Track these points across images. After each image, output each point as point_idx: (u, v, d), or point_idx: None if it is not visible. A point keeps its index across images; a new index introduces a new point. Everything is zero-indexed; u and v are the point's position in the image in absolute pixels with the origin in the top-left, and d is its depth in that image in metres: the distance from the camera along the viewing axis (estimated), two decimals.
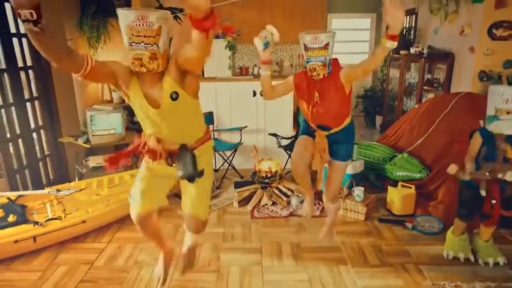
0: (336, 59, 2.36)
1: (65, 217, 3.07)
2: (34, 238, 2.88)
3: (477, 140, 2.41)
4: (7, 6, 3.50)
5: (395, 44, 1.94)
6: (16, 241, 2.80)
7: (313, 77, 2.31)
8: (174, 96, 1.83)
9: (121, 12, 1.66)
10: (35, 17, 1.42)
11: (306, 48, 2.25)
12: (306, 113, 2.49)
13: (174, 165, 2.00)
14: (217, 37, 6.96)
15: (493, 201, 2.45)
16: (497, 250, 2.69)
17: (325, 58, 2.22)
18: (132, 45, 1.69)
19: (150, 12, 1.66)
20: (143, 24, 1.65)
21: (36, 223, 2.95)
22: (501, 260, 2.65)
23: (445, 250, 2.77)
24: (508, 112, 2.24)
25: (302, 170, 2.50)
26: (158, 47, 1.71)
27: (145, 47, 1.68)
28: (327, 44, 2.19)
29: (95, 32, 4.77)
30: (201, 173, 2.05)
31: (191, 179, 1.99)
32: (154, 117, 1.88)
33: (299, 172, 2.51)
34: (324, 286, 2.47)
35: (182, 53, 1.76)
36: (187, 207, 2.16)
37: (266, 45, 2.34)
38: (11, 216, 2.99)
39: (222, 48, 6.78)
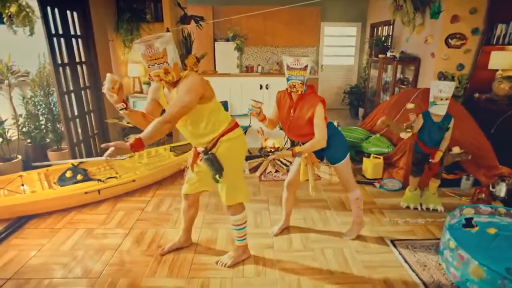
0: (313, 86, 2.64)
1: (120, 176, 3.86)
2: (99, 191, 3.64)
3: (420, 119, 3.26)
4: (68, 13, 4.25)
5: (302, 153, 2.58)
6: (86, 193, 3.57)
7: (292, 93, 2.54)
8: None
9: (135, 46, 2.04)
10: (125, 106, 2.13)
11: (288, 68, 2.45)
12: (284, 127, 2.72)
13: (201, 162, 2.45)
14: (227, 40, 7.73)
15: (431, 160, 3.30)
16: (439, 200, 3.53)
17: (304, 78, 2.45)
18: (149, 67, 2.08)
19: (154, 40, 1.99)
20: (151, 51, 2.02)
21: (99, 180, 3.73)
22: (440, 207, 3.50)
23: (403, 202, 3.60)
24: (441, 99, 3.07)
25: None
26: (168, 64, 2.07)
27: (158, 66, 2.06)
28: (306, 66, 2.42)
29: (129, 35, 5.51)
30: (220, 175, 2.36)
31: (214, 179, 2.39)
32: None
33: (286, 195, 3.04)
34: (314, 222, 3.31)
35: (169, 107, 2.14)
36: (221, 197, 2.54)
37: (255, 111, 2.60)
38: (79, 175, 3.77)
39: (231, 49, 7.55)
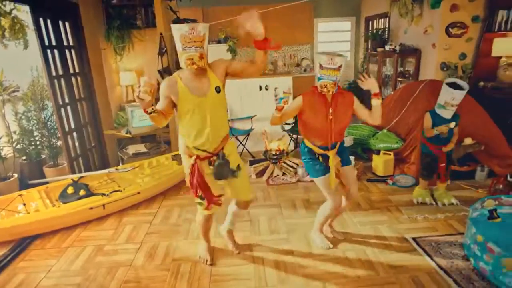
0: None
1: (124, 189, 3.80)
2: (104, 205, 3.59)
3: (428, 119, 3.29)
4: (60, 23, 4.20)
5: (379, 100, 2.47)
6: (91, 208, 3.50)
7: (323, 93, 2.46)
8: (218, 89, 2.30)
9: (175, 26, 2.13)
10: (154, 109, 2.15)
11: (321, 67, 2.38)
12: (318, 132, 2.55)
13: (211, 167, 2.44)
14: (219, 42, 7.69)
15: (442, 165, 3.34)
16: (450, 195, 3.55)
17: (337, 78, 2.40)
18: (185, 49, 2.15)
19: (198, 24, 2.16)
20: (193, 33, 2.13)
21: (104, 194, 3.67)
22: (454, 201, 3.51)
23: (415, 198, 3.60)
24: (452, 105, 3.14)
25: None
26: (204, 49, 2.19)
27: (195, 49, 2.16)
28: (340, 66, 2.37)
29: (121, 42, 5.45)
30: (239, 167, 2.50)
31: (232, 175, 2.47)
32: (202, 106, 2.27)
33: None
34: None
35: (237, 64, 2.36)
36: (236, 195, 2.63)
37: (280, 100, 2.45)
38: (81, 190, 3.71)
39: (223, 51, 7.48)
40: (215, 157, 2.42)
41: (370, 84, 2.48)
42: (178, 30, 2.13)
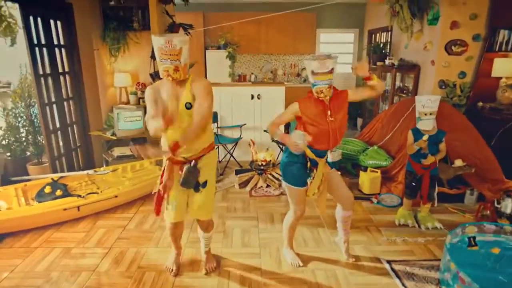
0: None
1: (101, 192, 3.78)
2: (78, 207, 3.57)
3: (410, 136, 3.25)
4: (52, 22, 4.23)
5: (373, 81, 2.51)
6: (65, 209, 3.49)
7: (320, 98, 2.43)
8: (188, 106, 2.31)
9: (154, 38, 2.19)
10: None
11: (314, 73, 2.37)
12: (319, 136, 2.47)
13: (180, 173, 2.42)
14: (219, 47, 7.70)
15: (425, 183, 3.28)
16: (434, 219, 3.44)
17: (331, 81, 2.39)
18: (161, 61, 2.23)
19: (174, 37, 2.18)
20: (169, 46, 2.18)
21: (79, 196, 3.65)
22: (438, 225, 3.40)
23: (397, 220, 3.50)
24: (425, 114, 3.07)
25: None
26: (180, 62, 2.23)
27: (171, 62, 2.21)
28: (332, 69, 2.37)
29: (116, 43, 5.47)
30: (204, 184, 2.46)
31: (195, 188, 2.44)
32: (175, 117, 2.31)
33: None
34: (305, 241, 3.21)
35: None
36: (193, 213, 2.55)
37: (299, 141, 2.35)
38: (58, 191, 3.70)
39: (223, 58, 7.51)
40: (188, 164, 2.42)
41: (361, 69, 2.48)
42: (155, 42, 2.21)
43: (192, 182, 2.42)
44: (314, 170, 2.57)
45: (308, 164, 2.59)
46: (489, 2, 4.73)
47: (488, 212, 3.40)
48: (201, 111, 2.29)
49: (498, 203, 3.37)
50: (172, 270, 2.76)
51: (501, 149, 4.07)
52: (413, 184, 3.36)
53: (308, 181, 2.61)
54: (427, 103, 3.04)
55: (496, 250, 2.68)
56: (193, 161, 2.41)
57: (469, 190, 3.90)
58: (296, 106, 2.49)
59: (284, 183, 2.69)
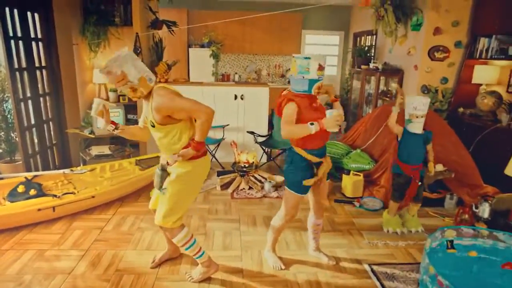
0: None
1: (78, 192, 3.72)
2: (53, 208, 3.50)
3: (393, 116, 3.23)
4: (29, 14, 4.14)
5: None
6: (39, 210, 3.41)
7: (314, 94, 2.44)
8: (152, 124, 2.35)
9: (98, 74, 2.34)
10: (114, 127, 2.42)
11: (321, 68, 2.38)
12: (317, 134, 2.36)
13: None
14: (202, 46, 7.69)
15: (415, 184, 3.29)
16: (418, 222, 3.54)
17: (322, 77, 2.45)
18: (119, 88, 2.28)
19: (111, 67, 2.16)
20: (112, 76, 2.19)
21: (55, 195, 3.57)
22: (420, 229, 3.50)
23: (385, 227, 3.51)
24: (416, 117, 3.07)
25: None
26: (131, 82, 2.22)
27: (124, 87, 2.24)
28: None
29: (96, 38, 5.39)
30: (163, 190, 2.46)
31: (160, 190, 2.49)
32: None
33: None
34: (287, 244, 3.25)
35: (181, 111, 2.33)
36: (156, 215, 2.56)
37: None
38: (32, 190, 3.61)
39: (206, 56, 7.49)
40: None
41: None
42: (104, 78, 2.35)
43: (158, 183, 2.49)
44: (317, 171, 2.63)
45: (315, 169, 2.62)
46: (471, 10, 4.90)
47: (467, 216, 3.52)
48: (190, 114, 2.37)
49: (476, 207, 3.49)
50: (154, 260, 2.89)
51: (479, 154, 4.22)
52: (402, 186, 3.35)
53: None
54: (419, 105, 3.01)
55: (473, 254, 2.77)
56: (164, 164, 2.49)
57: (449, 194, 4.03)
58: (294, 104, 2.43)
59: (287, 190, 2.70)
